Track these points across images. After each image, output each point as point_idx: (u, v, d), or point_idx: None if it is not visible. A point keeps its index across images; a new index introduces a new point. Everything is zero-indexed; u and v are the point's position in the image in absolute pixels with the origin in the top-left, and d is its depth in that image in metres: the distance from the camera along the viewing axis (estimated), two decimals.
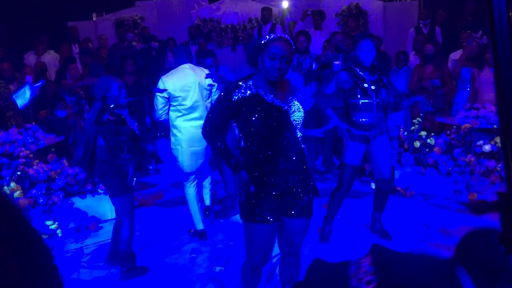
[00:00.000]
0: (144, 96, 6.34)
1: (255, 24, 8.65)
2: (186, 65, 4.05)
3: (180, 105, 4.00)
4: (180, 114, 4.02)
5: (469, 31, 6.35)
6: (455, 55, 6.48)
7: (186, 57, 4.09)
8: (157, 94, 4.00)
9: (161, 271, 3.62)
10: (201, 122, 4.08)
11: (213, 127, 2.40)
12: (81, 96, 6.30)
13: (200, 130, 4.06)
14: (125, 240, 3.45)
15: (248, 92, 2.33)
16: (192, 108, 4.01)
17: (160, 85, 3.96)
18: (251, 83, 2.35)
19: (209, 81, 4.08)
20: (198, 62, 4.66)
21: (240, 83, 2.35)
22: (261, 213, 2.34)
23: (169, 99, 4.00)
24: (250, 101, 2.31)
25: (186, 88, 3.97)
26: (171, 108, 4.05)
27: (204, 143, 3.96)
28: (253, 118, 2.30)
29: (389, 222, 4.19)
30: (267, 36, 2.34)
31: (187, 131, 4.02)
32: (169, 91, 3.94)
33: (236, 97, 2.31)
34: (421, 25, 7.78)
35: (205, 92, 4.08)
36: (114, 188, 3.38)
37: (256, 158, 2.35)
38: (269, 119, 2.30)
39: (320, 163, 6.26)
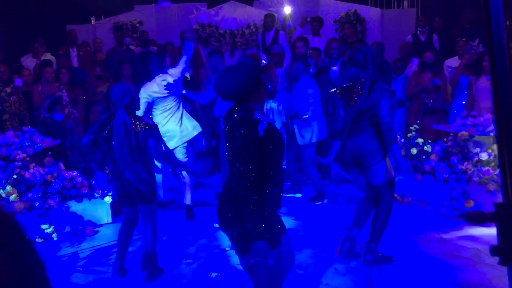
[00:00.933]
0: None
1: (253, 29, 8.66)
2: (161, 75, 4.78)
3: (161, 104, 4.73)
4: (159, 112, 4.77)
5: (464, 39, 6.37)
6: (451, 62, 6.51)
7: (159, 68, 4.84)
8: (141, 99, 4.40)
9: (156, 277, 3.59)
10: (176, 117, 4.77)
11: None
12: (61, 95, 6.18)
13: (175, 125, 4.72)
14: (151, 242, 3.50)
15: (265, 121, 2.14)
16: (171, 107, 4.76)
17: (142, 94, 4.57)
18: (256, 111, 2.18)
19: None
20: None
21: (257, 118, 2.13)
22: (278, 235, 2.20)
23: (153, 103, 4.72)
24: (270, 131, 2.15)
25: (164, 90, 4.69)
26: (153, 107, 4.77)
27: (182, 140, 4.81)
28: (275, 147, 2.16)
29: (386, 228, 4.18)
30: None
31: (164, 124, 4.67)
32: (152, 95, 4.66)
33: (262, 132, 2.10)
34: (418, 32, 7.80)
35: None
36: (153, 192, 3.46)
37: (268, 188, 2.19)
38: (282, 143, 2.23)
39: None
